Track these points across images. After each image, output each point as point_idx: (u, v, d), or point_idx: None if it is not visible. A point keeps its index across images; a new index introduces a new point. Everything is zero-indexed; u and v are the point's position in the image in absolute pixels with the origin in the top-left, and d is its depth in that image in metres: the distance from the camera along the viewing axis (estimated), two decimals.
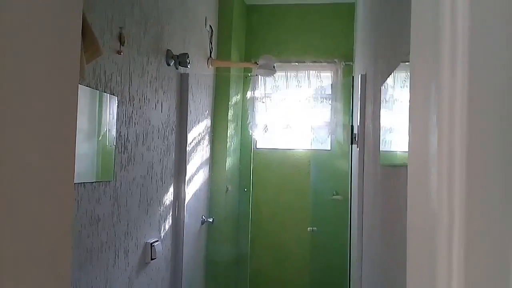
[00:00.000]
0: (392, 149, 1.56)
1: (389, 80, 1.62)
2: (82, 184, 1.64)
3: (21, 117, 0.71)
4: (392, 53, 1.63)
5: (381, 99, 1.88)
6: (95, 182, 1.74)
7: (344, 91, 3.88)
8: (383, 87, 1.80)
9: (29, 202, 0.73)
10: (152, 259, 2.31)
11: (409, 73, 1.22)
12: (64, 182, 0.83)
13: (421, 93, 0.51)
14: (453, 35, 0.44)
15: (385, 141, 1.71)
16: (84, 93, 1.63)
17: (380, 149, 1.83)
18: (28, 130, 0.72)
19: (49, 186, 0.78)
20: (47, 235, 0.79)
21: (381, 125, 1.82)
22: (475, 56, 0.43)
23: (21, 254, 0.72)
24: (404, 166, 1.27)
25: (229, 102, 3.66)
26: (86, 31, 1.36)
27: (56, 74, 0.81)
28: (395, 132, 1.46)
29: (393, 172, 1.49)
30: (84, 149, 1.67)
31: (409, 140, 0.54)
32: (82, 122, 1.64)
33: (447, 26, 0.44)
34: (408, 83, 1.30)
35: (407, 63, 1.29)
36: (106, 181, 1.83)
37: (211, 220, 3.43)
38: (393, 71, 1.53)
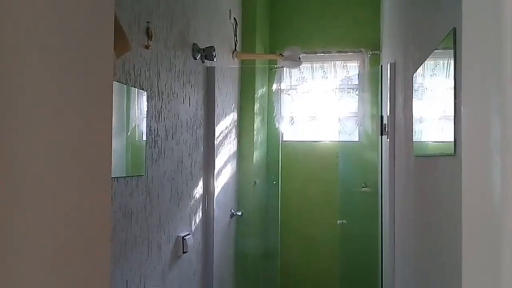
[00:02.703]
0: (428, 140, 1.52)
1: (422, 69, 1.57)
2: (115, 179, 1.65)
3: (61, 116, 0.71)
4: (425, 40, 1.58)
5: (413, 88, 1.83)
6: (128, 176, 1.76)
7: (371, 81, 3.80)
8: (415, 75, 1.75)
9: (70, 196, 0.74)
10: (184, 252, 2.33)
11: (444, 61, 1.17)
12: (102, 176, 0.83)
13: (477, 78, 0.48)
14: None
15: (419, 131, 1.67)
16: (114, 89, 1.64)
17: (414, 140, 1.78)
18: (68, 127, 0.73)
19: (88, 180, 0.79)
20: (87, 229, 0.79)
21: (414, 115, 1.77)
22: None
23: (63, 247, 0.72)
24: (442, 156, 1.23)
25: (255, 95, 3.64)
26: (115, 26, 1.36)
27: (92, 72, 0.81)
28: (432, 122, 1.42)
29: (430, 162, 1.44)
30: (114, 144, 1.68)
31: (463, 127, 0.52)
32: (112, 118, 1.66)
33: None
34: (438, 71, 1.26)
35: (441, 50, 1.24)
36: (138, 175, 1.85)
37: (240, 213, 3.43)
38: (426, 59, 1.49)
